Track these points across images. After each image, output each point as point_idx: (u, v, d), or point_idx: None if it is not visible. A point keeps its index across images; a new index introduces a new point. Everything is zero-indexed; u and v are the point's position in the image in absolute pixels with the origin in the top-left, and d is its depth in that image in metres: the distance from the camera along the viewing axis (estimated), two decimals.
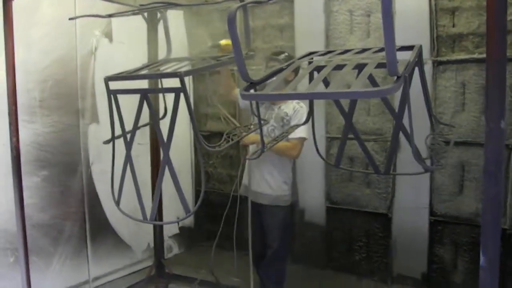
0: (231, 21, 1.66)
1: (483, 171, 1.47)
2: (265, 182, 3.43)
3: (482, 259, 1.47)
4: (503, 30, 1.44)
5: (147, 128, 3.63)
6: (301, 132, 3.23)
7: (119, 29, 4.04)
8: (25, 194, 2.85)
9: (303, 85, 2.07)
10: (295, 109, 3.35)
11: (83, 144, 3.85)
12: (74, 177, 3.79)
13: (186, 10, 4.65)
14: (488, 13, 1.48)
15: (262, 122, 2.41)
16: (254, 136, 3.16)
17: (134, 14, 2.88)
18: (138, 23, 3.48)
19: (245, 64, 1.74)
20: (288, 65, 2.12)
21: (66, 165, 3.74)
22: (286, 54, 3.36)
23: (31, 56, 3.33)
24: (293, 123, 3.27)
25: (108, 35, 3.99)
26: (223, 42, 3.28)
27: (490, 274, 1.47)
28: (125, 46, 4.09)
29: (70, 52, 3.68)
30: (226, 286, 3.71)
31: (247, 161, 3.53)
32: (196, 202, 5.03)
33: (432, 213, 3.89)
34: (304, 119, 3.28)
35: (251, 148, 3.45)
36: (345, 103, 2.30)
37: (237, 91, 3.53)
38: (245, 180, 3.57)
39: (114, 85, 2.47)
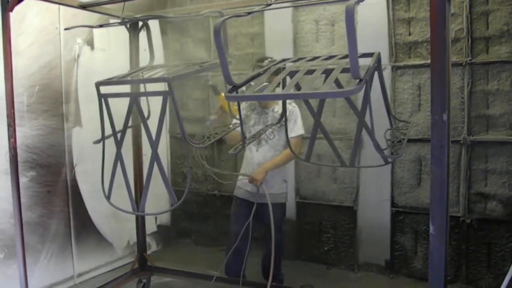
0: (217, 32, 1.95)
1: (430, 155, 1.79)
2: (266, 182, 3.54)
3: (431, 227, 1.78)
4: (443, 40, 1.77)
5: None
6: (298, 130, 3.56)
7: (100, 37, 4.25)
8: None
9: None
10: (289, 109, 3.53)
11: (67, 146, 4.02)
12: (59, 177, 3.97)
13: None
14: (431, 26, 1.80)
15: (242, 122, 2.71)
16: (235, 134, 3.41)
17: (120, 24, 3.12)
18: (118, 31, 3.71)
19: (229, 69, 2.02)
20: (265, 71, 2.41)
21: (52, 166, 3.91)
22: (269, 59, 3.39)
23: (19, 63, 3.48)
24: (290, 123, 3.45)
25: (90, 43, 4.19)
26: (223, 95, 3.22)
27: (438, 239, 1.78)
28: (106, 53, 4.31)
29: (55, 59, 3.86)
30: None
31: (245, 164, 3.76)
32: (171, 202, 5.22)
33: (393, 204, 4.24)
34: (299, 117, 3.58)
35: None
36: (314, 104, 2.61)
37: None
38: (239, 183, 3.77)
39: (103, 89, 2.70)
